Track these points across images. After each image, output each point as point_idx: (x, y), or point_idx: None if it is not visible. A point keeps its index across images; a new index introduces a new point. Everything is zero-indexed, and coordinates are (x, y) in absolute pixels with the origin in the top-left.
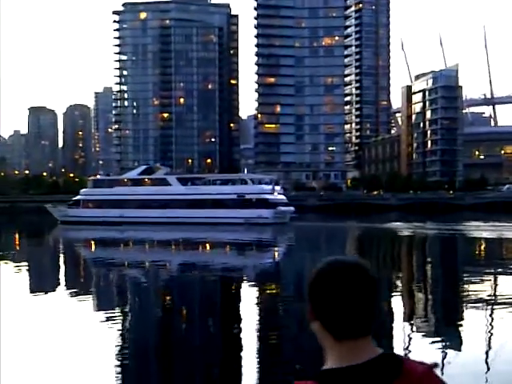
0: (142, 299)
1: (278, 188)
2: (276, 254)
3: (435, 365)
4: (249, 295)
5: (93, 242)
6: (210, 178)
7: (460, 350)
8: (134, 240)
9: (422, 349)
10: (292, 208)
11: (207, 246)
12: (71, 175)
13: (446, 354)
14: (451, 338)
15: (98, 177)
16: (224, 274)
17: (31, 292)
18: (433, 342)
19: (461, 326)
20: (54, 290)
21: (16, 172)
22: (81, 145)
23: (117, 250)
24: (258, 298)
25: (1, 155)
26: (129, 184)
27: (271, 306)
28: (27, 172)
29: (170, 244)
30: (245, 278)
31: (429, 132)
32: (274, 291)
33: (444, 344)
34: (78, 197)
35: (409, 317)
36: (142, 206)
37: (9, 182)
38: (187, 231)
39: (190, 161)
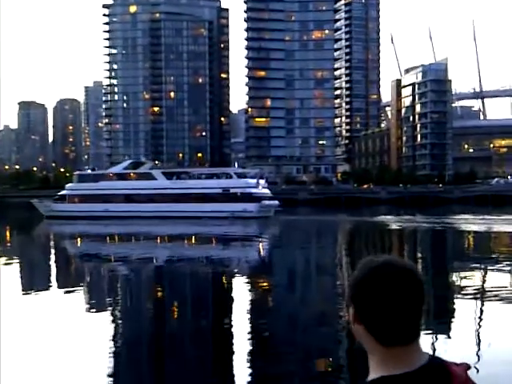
0: (132, 293)
1: (262, 182)
2: (262, 247)
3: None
4: (238, 288)
5: (78, 237)
6: (195, 172)
7: (449, 343)
8: (120, 234)
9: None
10: (277, 202)
11: (193, 239)
12: (62, 170)
13: (435, 347)
14: (440, 331)
15: (84, 171)
16: (213, 267)
17: (23, 289)
18: (423, 334)
19: (450, 318)
20: (42, 286)
21: (6, 167)
22: (71, 139)
23: (102, 244)
24: (247, 290)
25: None
26: (114, 178)
27: (260, 298)
28: (17, 167)
29: (156, 238)
30: (234, 271)
31: (418, 126)
32: (263, 284)
33: (433, 337)
34: (63, 192)
35: None
36: (127, 200)
37: None
38: (172, 225)
39: (180, 155)
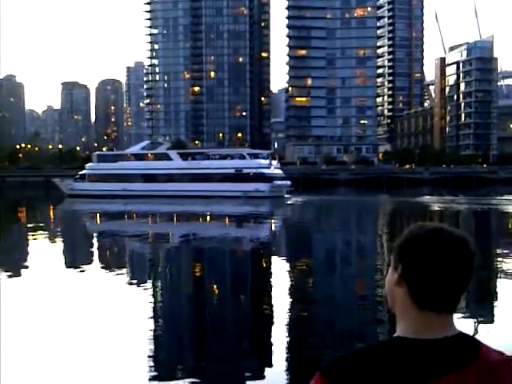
0: (169, 270)
1: (274, 163)
2: (301, 227)
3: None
4: (274, 266)
5: (98, 215)
6: (209, 152)
7: (492, 326)
8: (138, 212)
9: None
10: (288, 182)
11: (226, 219)
12: (104, 149)
13: (477, 330)
14: (483, 314)
15: (103, 152)
16: (239, 245)
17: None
18: (463, 318)
19: (493, 301)
20: (77, 262)
21: (50, 147)
22: (113, 119)
23: (122, 222)
24: (283, 269)
25: (35, 130)
26: (132, 159)
27: (298, 277)
28: (61, 146)
29: (173, 216)
30: (266, 250)
31: (462, 105)
32: (300, 264)
33: (475, 320)
34: (83, 171)
35: None
36: (144, 179)
37: (43, 157)
38: (187, 204)
39: (220, 135)
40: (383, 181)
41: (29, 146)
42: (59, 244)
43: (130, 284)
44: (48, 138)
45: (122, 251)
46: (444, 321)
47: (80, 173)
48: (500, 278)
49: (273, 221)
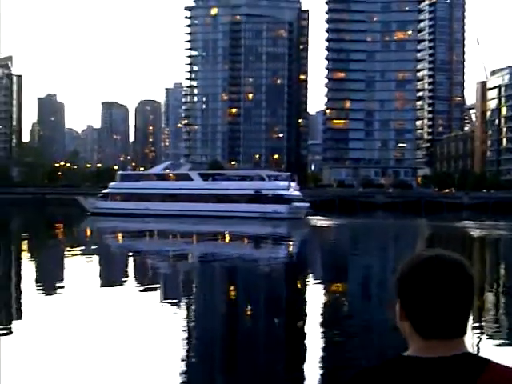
0: (203, 290)
1: (293, 185)
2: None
3: None
4: (308, 288)
5: (120, 233)
6: (229, 173)
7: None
8: (161, 231)
9: (491, 352)
10: (307, 204)
11: (245, 239)
12: (141, 169)
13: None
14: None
15: (126, 171)
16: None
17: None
18: (501, 345)
19: None
20: (107, 279)
21: (88, 165)
22: (151, 139)
23: (145, 240)
24: (316, 291)
25: (74, 149)
26: (154, 178)
27: (331, 300)
28: (99, 165)
29: (192, 236)
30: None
31: (504, 129)
32: (334, 286)
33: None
34: (107, 190)
35: (479, 318)
36: (165, 199)
37: (81, 175)
38: (207, 224)
39: (257, 156)
40: (422, 205)
41: (68, 165)
42: (83, 260)
43: (156, 302)
44: (87, 156)
45: (149, 270)
46: (452, 343)
47: (103, 191)
48: None
49: (291, 242)
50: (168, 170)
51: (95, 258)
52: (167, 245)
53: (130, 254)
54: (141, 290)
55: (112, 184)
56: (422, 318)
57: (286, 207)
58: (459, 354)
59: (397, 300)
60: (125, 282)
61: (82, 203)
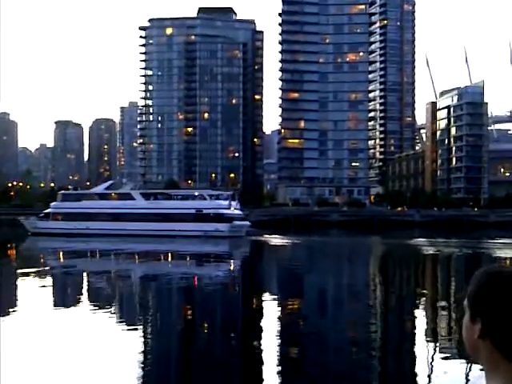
0: (140, 309)
1: (234, 203)
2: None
3: None
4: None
5: (61, 253)
6: (171, 193)
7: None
8: (101, 251)
9: (446, 369)
10: (248, 223)
11: (188, 257)
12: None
13: (469, 376)
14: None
15: (67, 191)
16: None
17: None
18: (456, 362)
19: None
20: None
21: (42, 185)
22: (106, 158)
23: (85, 260)
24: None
25: (27, 168)
26: (95, 198)
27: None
28: (52, 185)
29: (135, 255)
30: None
31: (454, 149)
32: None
33: (468, 365)
34: (48, 210)
35: (433, 336)
36: (107, 218)
37: (34, 195)
38: (149, 243)
39: (213, 175)
40: (375, 223)
41: (20, 184)
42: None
43: (103, 323)
44: (40, 176)
45: (91, 288)
46: None
47: (44, 211)
48: None
49: (232, 260)
50: (110, 190)
51: (31, 279)
52: (110, 265)
53: (61, 272)
54: (81, 311)
55: (53, 204)
56: (507, 337)
57: (228, 226)
58: None
59: (475, 317)
60: (48, 300)
61: (23, 223)
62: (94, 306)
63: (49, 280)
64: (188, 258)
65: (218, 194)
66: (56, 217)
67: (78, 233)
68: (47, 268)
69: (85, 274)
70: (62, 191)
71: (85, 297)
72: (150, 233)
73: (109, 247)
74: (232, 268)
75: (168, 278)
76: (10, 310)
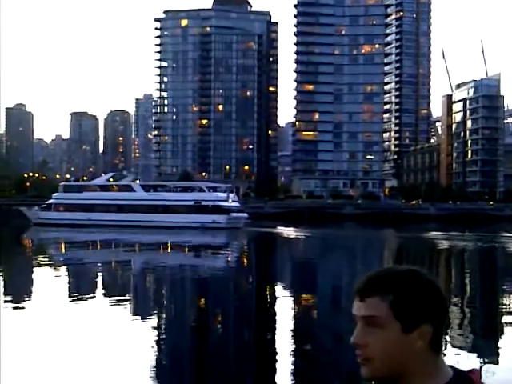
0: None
1: (232, 195)
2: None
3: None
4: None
5: (63, 243)
6: (171, 185)
7: (497, 364)
8: (103, 241)
9: (457, 362)
10: (245, 214)
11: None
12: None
13: (482, 368)
14: (488, 352)
15: (69, 182)
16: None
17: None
18: (468, 355)
19: (498, 339)
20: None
21: (57, 176)
22: (121, 150)
23: (90, 250)
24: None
25: (43, 159)
26: (97, 189)
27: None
28: (68, 176)
29: (135, 246)
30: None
31: (469, 142)
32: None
33: (481, 358)
34: (50, 201)
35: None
36: (108, 210)
37: (50, 186)
38: (148, 234)
39: (227, 167)
40: (389, 216)
41: (36, 175)
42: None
43: (110, 314)
44: (56, 167)
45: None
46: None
47: (47, 202)
48: (504, 315)
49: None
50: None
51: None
52: (110, 255)
53: (64, 263)
54: (78, 302)
55: (55, 195)
56: (440, 333)
57: (225, 217)
58: (453, 377)
59: (426, 325)
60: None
61: (25, 213)
62: (97, 296)
63: (50, 270)
64: (186, 249)
65: (216, 186)
66: (58, 207)
67: (79, 223)
68: (48, 257)
69: (86, 265)
70: (64, 182)
71: (86, 287)
72: (150, 224)
73: (109, 237)
74: (245, 259)
75: (178, 268)
76: (7, 301)
